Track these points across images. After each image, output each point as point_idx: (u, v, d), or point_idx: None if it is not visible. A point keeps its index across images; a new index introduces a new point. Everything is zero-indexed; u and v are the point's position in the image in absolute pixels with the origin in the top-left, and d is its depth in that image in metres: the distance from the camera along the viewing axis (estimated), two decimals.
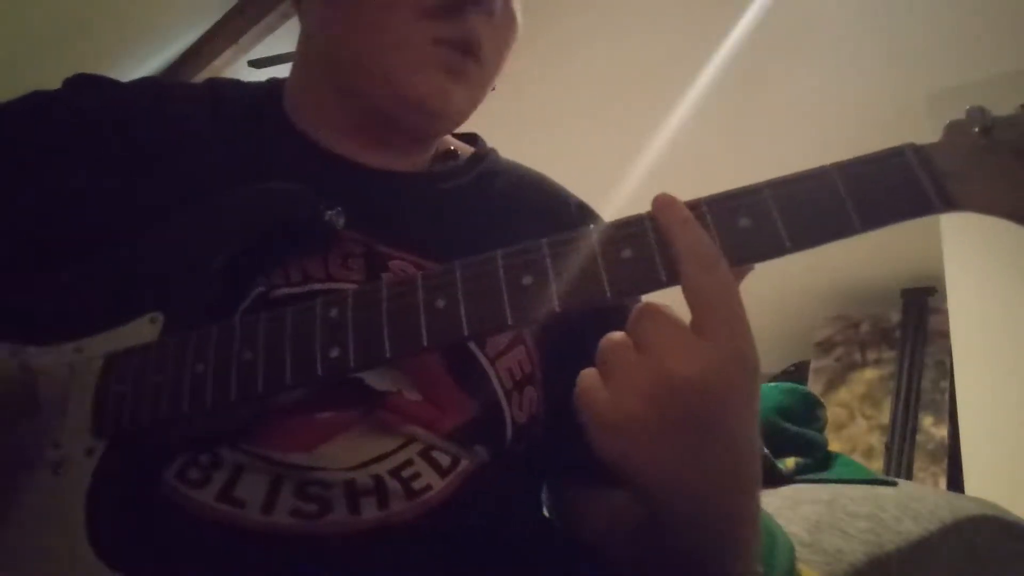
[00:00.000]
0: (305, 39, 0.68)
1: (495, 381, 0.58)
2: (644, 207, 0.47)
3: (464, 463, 0.56)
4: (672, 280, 0.45)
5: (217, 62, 2.82)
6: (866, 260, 3.85)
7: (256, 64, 2.77)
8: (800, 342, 3.65)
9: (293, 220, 0.57)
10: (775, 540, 0.84)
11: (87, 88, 0.68)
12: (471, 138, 0.76)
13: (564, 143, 2.83)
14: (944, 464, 3.10)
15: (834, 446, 1.37)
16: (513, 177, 0.73)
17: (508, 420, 0.58)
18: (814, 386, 3.43)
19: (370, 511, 0.51)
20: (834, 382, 3.51)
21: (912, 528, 0.98)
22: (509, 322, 0.46)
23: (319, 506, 0.51)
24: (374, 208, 0.63)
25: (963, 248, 2.68)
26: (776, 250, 0.45)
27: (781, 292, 4.08)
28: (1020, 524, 1.13)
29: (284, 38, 2.84)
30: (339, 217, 0.57)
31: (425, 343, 0.46)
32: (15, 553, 0.49)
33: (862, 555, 0.90)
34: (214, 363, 0.50)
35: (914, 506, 1.05)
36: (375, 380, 0.54)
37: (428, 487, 0.53)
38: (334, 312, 0.49)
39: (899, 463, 3.14)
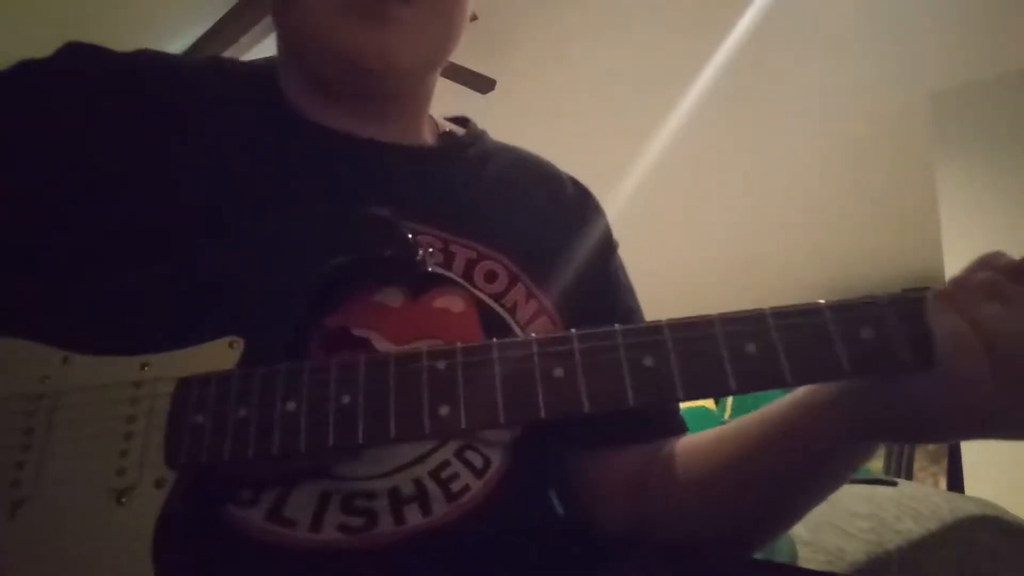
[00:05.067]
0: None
1: None
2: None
3: (495, 464, 0.56)
4: (794, 381, 0.46)
5: None
6: (866, 260, 3.86)
7: None
8: None
9: (383, 255, 0.55)
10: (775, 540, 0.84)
11: (85, 57, 0.64)
12: (462, 121, 0.76)
13: (564, 140, 2.83)
14: (944, 464, 3.10)
15: None
16: (507, 157, 0.74)
17: None
18: None
19: (414, 518, 0.52)
20: None
21: (912, 527, 0.98)
22: (631, 403, 0.45)
23: (366, 519, 0.51)
24: (393, 183, 0.63)
25: (963, 248, 2.68)
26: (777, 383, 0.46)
27: (781, 292, 4.07)
28: (1020, 524, 1.13)
29: None
30: (429, 259, 0.57)
31: (543, 414, 0.45)
32: None
33: (863, 554, 0.90)
34: (308, 404, 0.47)
35: (914, 506, 1.05)
36: None
37: (466, 488, 0.54)
38: (442, 365, 0.47)
39: (899, 463, 3.14)
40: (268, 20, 2.74)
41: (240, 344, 0.50)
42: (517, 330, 0.59)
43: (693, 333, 0.46)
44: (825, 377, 0.47)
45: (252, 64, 0.71)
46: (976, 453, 2.59)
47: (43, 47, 0.66)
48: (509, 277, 0.62)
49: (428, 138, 0.71)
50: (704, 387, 0.45)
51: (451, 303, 0.58)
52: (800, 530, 0.91)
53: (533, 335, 0.48)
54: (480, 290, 0.60)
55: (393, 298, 0.57)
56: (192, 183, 0.58)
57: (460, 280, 0.59)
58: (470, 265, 0.61)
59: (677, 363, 0.45)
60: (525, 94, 2.92)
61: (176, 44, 2.99)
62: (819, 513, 0.98)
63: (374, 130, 0.65)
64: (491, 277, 0.61)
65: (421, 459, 0.53)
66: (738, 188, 3.45)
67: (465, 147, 0.71)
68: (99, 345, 0.51)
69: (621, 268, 0.75)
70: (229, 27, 2.76)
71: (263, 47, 2.82)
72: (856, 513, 0.99)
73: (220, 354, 0.50)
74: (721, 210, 3.64)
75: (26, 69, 0.62)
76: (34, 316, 0.54)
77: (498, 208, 0.67)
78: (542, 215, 0.69)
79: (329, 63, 0.61)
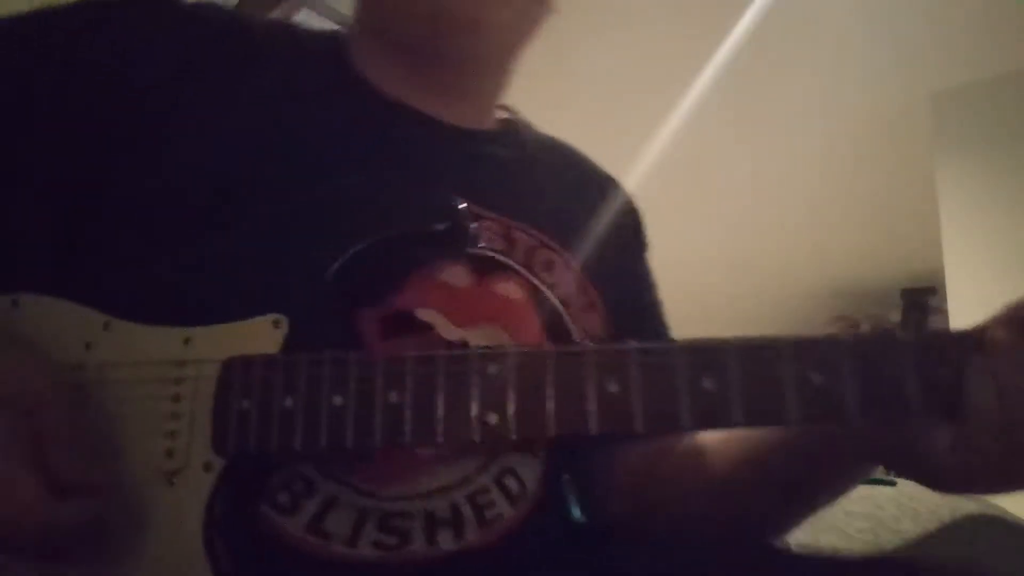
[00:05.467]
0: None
1: (577, 339, 0.59)
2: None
3: (530, 488, 0.57)
4: (860, 418, 0.42)
5: None
6: (866, 260, 3.85)
7: None
8: None
9: (435, 229, 0.52)
10: None
11: (152, 4, 0.59)
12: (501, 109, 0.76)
13: (565, 139, 2.83)
14: None
15: None
16: (558, 149, 0.75)
17: None
18: None
19: (446, 542, 0.52)
20: None
21: (911, 528, 0.98)
22: (686, 427, 0.43)
23: (399, 538, 0.51)
24: (459, 164, 0.62)
25: (963, 248, 2.67)
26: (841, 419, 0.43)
27: (782, 293, 4.07)
28: (1020, 525, 1.13)
29: None
30: (482, 234, 0.56)
31: (593, 430, 0.43)
32: (135, 560, 0.46)
33: (860, 555, 0.90)
34: (355, 399, 0.45)
35: (913, 506, 1.04)
36: (479, 342, 0.54)
37: (500, 516, 0.55)
38: (493, 370, 0.45)
39: None
40: (275, 13, 2.74)
41: (284, 323, 0.48)
42: (569, 323, 0.60)
43: (759, 355, 0.43)
44: (891, 418, 0.43)
45: (318, 32, 0.68)
46: None
47: None
48: (565, 267, 0.61)
49: (493, 123, 0.70)
50: (763, 416, 0.43)
51: (511, 290, 0.58)
52: (797, 531, 0.91)
53: (589, 343, 0.47)
54: (539, 279, 0.59)
55: (459, 278, 0.56)
56: (250, 147, 0.55)
57: (520, 268, 0.59)
58: (530, 252, 0.60)
59: (739, 388, 0.42)
60: (526, 94, 2.92)
61: None
62: (816, 514, 0.98)
63: (446, 107, 0.63)
64: (548, 266, 0.60)
65: (461, 483, 0.53)
66: (738, 188, 3.45)
67: (524, 134, 0.71)
68: (139, 311, 0.50)
69: (650, 266, 0.76)
70: None
71: None
72: (854, 513, 0.98)
73: (264, 333, 0.48)
74: (721, 210, 3.64)
75: (89, 7, 0.59)
76: (74, 278, 0.52)
77: (555, 198, 0.66)
78: (591, 209, 0.69)
79: (418, 21, 0.58)
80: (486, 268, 0.57)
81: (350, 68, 0.63)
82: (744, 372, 0.42)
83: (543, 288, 0.59)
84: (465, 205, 0.53)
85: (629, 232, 0.74)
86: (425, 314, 0.53)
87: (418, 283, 0.54)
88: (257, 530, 0.49)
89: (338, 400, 0.45)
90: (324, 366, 0.46)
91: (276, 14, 2.70)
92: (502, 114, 0.72)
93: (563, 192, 0.68)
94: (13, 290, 0.52)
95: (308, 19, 2.72)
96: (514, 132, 0.70)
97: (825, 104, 2.91)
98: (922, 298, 3.36)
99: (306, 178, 0.54)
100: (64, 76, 0.55)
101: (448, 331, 0.53)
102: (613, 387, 0.43)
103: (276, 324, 0.48)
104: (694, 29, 2.61)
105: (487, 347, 0.47)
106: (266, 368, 0.47)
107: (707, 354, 0.43)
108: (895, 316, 3.48)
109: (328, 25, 2.64)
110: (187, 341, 0.48)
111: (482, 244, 0.57)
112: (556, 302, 0.60)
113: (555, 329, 0.59)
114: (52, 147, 0.55)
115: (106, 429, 0.47)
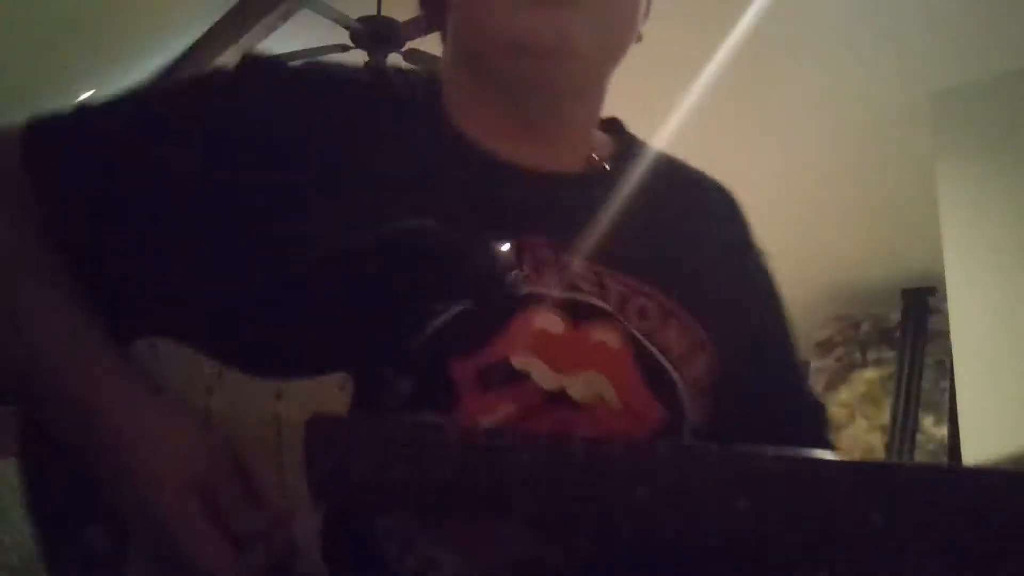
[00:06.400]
0: (447, 41, 0.68)
1: (681, 387, 0.59)
2: None
3: None
4: None
5: (217, 62, 2.82)
6: (866, 260, 3.85)
7: None
8: (801, 342, 3.64)
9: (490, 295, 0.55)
10: None
11: (269, 73, 0.63)
12: (610, 124, 0.75)
13: None
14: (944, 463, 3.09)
15: None
16: (660, 173, 0.72)
17: (687, 425, 0.59)
18: (814, 386, 3.43)
19: None
20: (834, 382, 3.51)
21: None
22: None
23: None
24: (548, 214, 0.61)
25: (963, 248, 2.68)
26: None
27: (782, 292, 4.07)
28: None
29: (284, 38, 2.84)
30: (519, 278, 0.56)
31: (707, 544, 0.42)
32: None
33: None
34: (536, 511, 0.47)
35: None
36: (579, 390, 0.55)
37: None
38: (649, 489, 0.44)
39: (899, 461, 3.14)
40: (268, 20, 2.74)
41: (350, 386, 0.51)
42: (670, 369, 0.59)
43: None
44: None
45: (413, 78, 0.69)
46: (976, 453, 2.59)
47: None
48: (661, 313, 0.60)
49: (582, 160, 0.68)
50: None
51: (608, 337, 0.57)
52: None
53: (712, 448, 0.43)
54: (634, 326, 0.59)
55: (554, 325, 0.56)
56: (352, 207, 0.57)
57: (617, 315, 0.58)
58: (623, 300, 0.59)
59: None
60: None
61: (177, 43, 2.99)
62: None
63: (537, 152, 0.64)
64: (643, 313, 0.60)
65: None
66: (737, 188, 3.44)
67: (619, 168, 0.69)
68: (243, 362, 0.54)
69: (767, 282, 0.76)
70: (229, 27, 2.77)
71: (263, 47, 2.83)
72: None
73: (331, 393, 0.51)
74: None
75: (219, 80, 0.64)
76: (186, 322, 0.57)
77: (652, 236, 0.65)
78: (694, 240, 0.68)
79: (504, 51, 0.59)
80: (582, 314, 0.57)
81: (441, 116, 0.64)
82: None
83: (639, 336, 0.58)
84: (508, 247, 0.55)
85: (736, 250, 0.73)
86: (521, 361, 0.54)
87: (513, 332, 0.54)
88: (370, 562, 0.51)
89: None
90: (445, 437, 0.48)
91: (276, 13, 2.70)
92: (599, 151, 0.70)
93: (661, 228, 0.66)
94: (141, 332, 0.58)
95: (308, 19, 2.72)
96: (609, 171, 0.68)
97: (825, 104, 2.91)
98: (922, 298, 3.36)
99: (387, 226, 0.56)
100: (201, 142, 0.59)
101: (546, 378, 0.54)
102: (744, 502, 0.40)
103: (342, 388, 0.51)
104: (693, 29, 2.61)
105: (591, 441, 0.46)
106: (347, 428, 0.50)
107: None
108: (895, 316, 3.48)
109: (327, 23, 2.64)
110: (279, 396, 0.52)
111: (578, 289, 0.58)
112: (654, 349, 0.59)
113: (656, 378, 0.58)
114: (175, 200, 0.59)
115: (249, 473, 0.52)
